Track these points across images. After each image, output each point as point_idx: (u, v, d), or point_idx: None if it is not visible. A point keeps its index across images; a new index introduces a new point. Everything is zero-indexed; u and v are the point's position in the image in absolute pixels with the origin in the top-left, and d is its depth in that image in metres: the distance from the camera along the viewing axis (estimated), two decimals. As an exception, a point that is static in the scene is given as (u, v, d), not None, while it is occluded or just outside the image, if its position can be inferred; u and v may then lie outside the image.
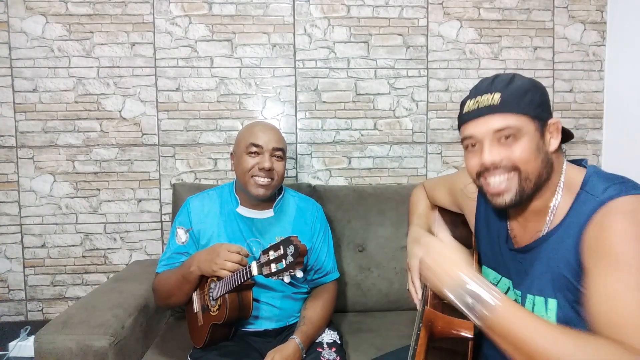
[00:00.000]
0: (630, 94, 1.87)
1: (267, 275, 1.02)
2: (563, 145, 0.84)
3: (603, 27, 1.98)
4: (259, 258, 1.05)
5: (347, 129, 1.94)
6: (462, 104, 0.84)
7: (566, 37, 1.97)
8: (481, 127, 0.78)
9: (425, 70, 1.95)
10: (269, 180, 1.25)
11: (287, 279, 1.01)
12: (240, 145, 1.28)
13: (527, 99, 0.76)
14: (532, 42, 1.96)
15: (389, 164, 1.97)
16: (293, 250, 0.98)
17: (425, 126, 1.97)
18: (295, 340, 1.16)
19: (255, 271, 1.05)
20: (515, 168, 0.76)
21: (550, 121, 0.78)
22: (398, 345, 1.12)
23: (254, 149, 1.24)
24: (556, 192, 0.79)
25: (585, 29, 1.97)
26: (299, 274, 1.00)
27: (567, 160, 0.83)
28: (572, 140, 0.88)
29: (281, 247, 1.01)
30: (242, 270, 1.07)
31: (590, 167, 0.79)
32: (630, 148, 1.86)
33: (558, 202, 0.78)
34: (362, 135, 1.95)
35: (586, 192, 0.74)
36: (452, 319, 0.84)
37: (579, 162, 0.84)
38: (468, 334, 0.83)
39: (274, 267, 1.01)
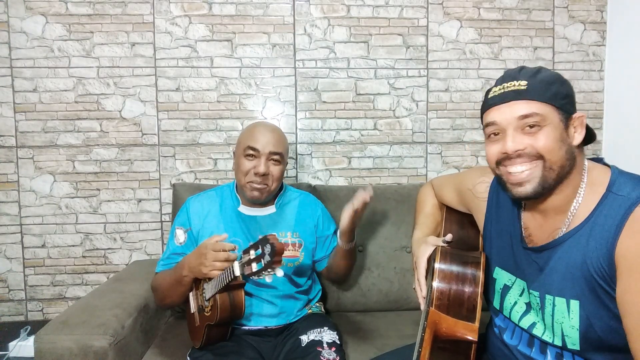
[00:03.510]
0: (630, 94, 1.87)
1: (248, 275, 0.99)
2: None
3: (603, 27, 1.98)
4: (241, 257, 1.03)
5: (347, 129, 1.94)
6: (487, 92, 0.84)
7: (566, 37, 1.97)
8: (506, 114, 0.78)
9: (425, 70, 1.95)
10: (264, 185, 1.25)
11: (269, 279, 0.98)
12: (239, 147, 1.29)
13: (553, 89, 0.76)
14: (532, 42, 1.96)
15: (389, 164, 1.97)
16: (270, 249, 0.94)
17: (425, 126, 1.97)
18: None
19: (237, 271, 1.02)
20: (539, 157, 0.75)
21: (574, 115, 0.78)
22: (398, 345, 1.12)
23: (251, 152, 1.24)
24: (579, 192, 0.78)
25: (585, 29, 1.97)
26: (279, 272, 0.98)
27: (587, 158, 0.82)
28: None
29: (259, 246, 0.98)
30: (227, 271, 1.05)
31: (615, 167, 0.78)
32: (630, 148, 1.86)
33: (580, 201, 0.77)
34: (362, 135, 1.95)
35: (614, 193, 0.73)
36: (457, 321, 0.83)
37: (597, 161, 0.83)
38: (471, 337, 0.82)
39: (254, 267, 0.98)
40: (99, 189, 1.89)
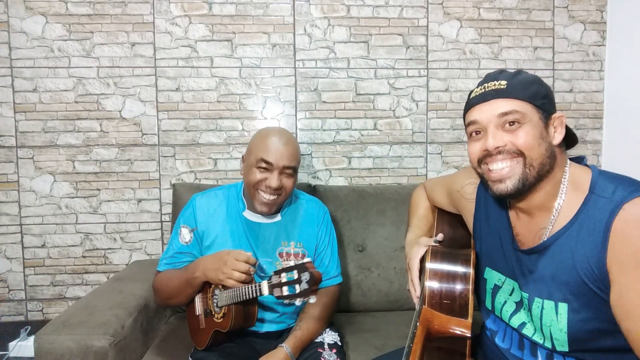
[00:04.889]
0: (630, 94, 1.87)
1: (278, 298, 0.99)
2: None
3: (603, 27, 1.98)
4: (270, 278, 1.02)
5: (347, 129, 1.94)
6: (469, 94, 0.86)
7: (566, 37, 1.97)
8: (486, 112, 0.80)
9: (425, 70, 1.95)
10: (275, 197, 1.21)
11: (298, 303, 0.99)
12: (251, 156, 1.23)
13: (533, 89, 0.78)
14: (532, 42, 1.96)
15: (389, 164, 1.97)
16: (308, 278, 0.94)
17: (425, 126, 1.97)
18: (285, 349, 1.14)
19: (265, 291, 1.02)
20: (520, 153, 0.77)
21: (554, 115, 0.80)
22: (398, 346, 1.12)
23: (264, 164, 1.19)
24: (560, 189, 0.79)
25: (585, 29, 1.97)
26: (312, 299, 0.97)
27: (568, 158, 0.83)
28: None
29: (295, 271, 0.97)
30: (252, 288, 1.05)
31: (594, 168, 0.79)
32: (630, 148, 1.86)
33: (563, 200, 0.78)
34: (362, 135, 1.95)
35: (596, 195, 0.74)
36: (450, 318, 0.84)
37: (578, 160, 0.84)
38: (465, 332, 0.83)
39: (285, 290, 0.98)
40: (99, 189, 1.89)
